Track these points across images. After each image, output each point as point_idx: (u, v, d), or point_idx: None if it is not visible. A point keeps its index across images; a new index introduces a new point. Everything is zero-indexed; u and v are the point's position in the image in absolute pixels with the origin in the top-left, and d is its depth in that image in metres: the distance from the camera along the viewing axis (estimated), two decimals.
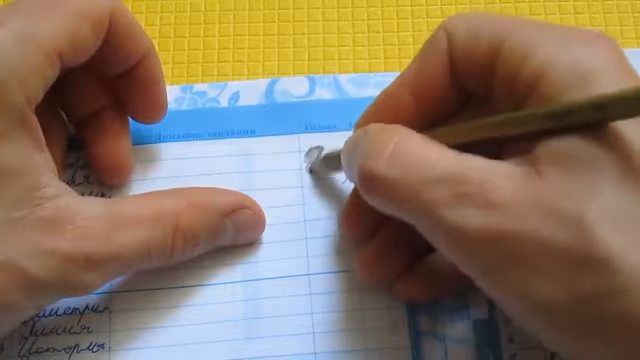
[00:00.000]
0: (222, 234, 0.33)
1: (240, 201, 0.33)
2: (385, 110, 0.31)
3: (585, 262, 0.23)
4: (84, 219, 0.29)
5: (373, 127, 0.29)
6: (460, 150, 0.27)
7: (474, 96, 0.30)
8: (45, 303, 0.30)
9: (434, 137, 0.28)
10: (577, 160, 0.24)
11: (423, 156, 0.27)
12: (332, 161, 0.35)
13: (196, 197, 0.32)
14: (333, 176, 0.36)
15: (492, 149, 0.28)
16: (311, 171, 0.36)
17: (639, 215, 0.24)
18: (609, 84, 0.25)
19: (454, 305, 0.34)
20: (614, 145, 0.24)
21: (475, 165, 0.26)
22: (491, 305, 0.34)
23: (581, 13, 0.42)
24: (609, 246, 0.23)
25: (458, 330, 0.33)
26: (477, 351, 0.33)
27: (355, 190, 0.33)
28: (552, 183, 0.24)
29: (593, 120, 0.24)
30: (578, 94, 0.25)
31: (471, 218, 0.25)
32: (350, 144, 0.30)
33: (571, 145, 0.25)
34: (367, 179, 0.28)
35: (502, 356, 0.33)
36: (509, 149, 0.27)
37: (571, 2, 0.42)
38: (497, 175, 0.25)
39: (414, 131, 0.28)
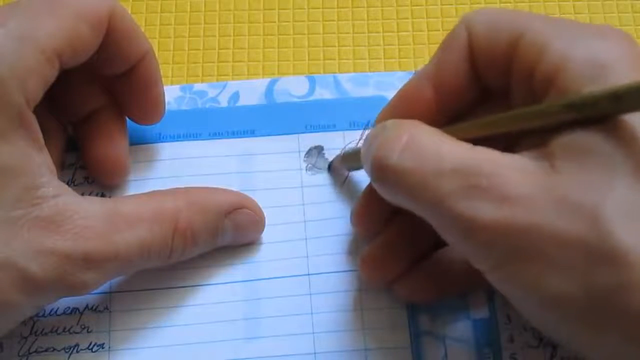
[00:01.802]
0: (221, 234, 0.33)
1: (240, 201, 0.33)
2: (405, 105, 0.31)
3: (599, 256, 0.23)
4: (83, 219, 0.29)
5: (390, 122, 0.29)
6: (475, 144, 0.27)
7: (493, 91, 0.30)
8: (44, 302, 0.30)
9: (450, 132, 0.28)
10: (592, 154, 0.24)
11: (436, 148, 0.27)
12: (351, 158, 0.35)
13: (196, 197, 0.32)
14: (353, 173, 0.36)
15: (506, 143, 0.28)
16: (329, 168, 0.36)
17: None
18: (625, 77, 0.25)
19: (454, 305, 0.34)
20: (629, 139, 0.24)
21: (488, 158, 0.26)
22: (491, 305, 0.34)
23: (581, 13, 0.41)
24: (624, 241, 0.23)
25: (458, 330, 0.33)
26: (477, 351, 0.33)
27: (368, 188, 0.33)
28: (566, 177, 0.24)
29: (610, 111, 0.24)
30: (595, 87, 0.25)
31: (484, 210, 0.25)
32: (368, 139, 0.30)
33: (586, 139, 0.25)
34: (380, 169, 0.28)
35: (502, 356, 0.33)
36: (523, 143, 0.27)
37: (571, 2, 0.42)
38: (511, 169, 0.25)
39: (429, 126, 0.28)
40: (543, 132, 0.26)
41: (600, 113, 0.24)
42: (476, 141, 0.27)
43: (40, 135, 0.29)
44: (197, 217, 0.32)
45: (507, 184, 0.25)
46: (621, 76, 0.25)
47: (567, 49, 0.26)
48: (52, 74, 0.29)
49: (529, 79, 0.27)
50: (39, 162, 0.29)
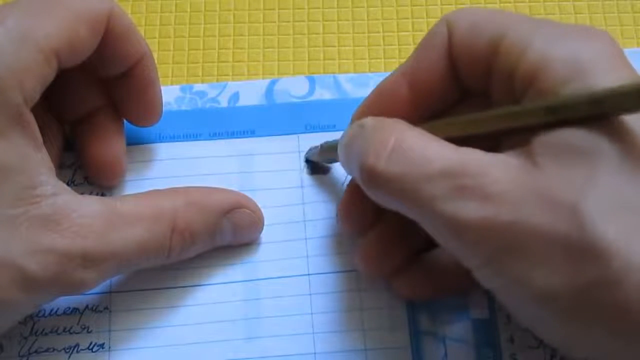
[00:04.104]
0: (220, 233, 0.33)
1: (239, 200, 0.33)
2: (382, 102, 0.31)
3: (582, 251, 0.23)
4: (82, 217, 0.29)
5: (370, 121, 0.29)
6: (458, 143, 0.27)
7: (472, 91, 0.30)
8: (42, 301, 0.30)
9: (432, 130, 0.28)
10: (573, 150, 0.25)
11: (422, 152, 0.27)
12: (329, 152, 0.35)
13: (194, 197, 0.32)
14: (329, 165, 0.36)
15: (490, 142, 0.28)
16: (307, 161, 0.36)
17: (636, 203, 0.24)
18: (605, 78, 0.25)
19: (454, 304, 0.34)
20: (612, 134, 0.25)
21: (473, 158, 0.26)
22: (491, 305, 0.33)
23: (581, 13, 0.41)
24: (604, 235, 0.23)
25: (458, 330, 0.33)
26: (477, 351, 0.33)
27: (352, 184, 0.33)
28: (547, 173, 0.25)
29: (590, 114, 0.24)
30: (576, 88, 0.25)
31: (470, 210, 0.25)
32: (348, 138, 0.30)
33: (567, 135, 0.25)
34: (369, 176, 0.28)
35: (502, 356, 0.33)
36: (507, 142, 0.28)
37: (571, 2, 0.42)
38: (494, 167, 0.25)
39: (413, 126, 0.28)
40: (526, 130, 0.26)
41: (579, 116, 0.25)
42: (461, 141, 0.27)
43: (38, 134, 0.29)
44: (195, 217, 0.32)
45: (491, 182, 0.25)
46: (600, 77, 0.25)
47: (548, 49, 0.26)
48: (50, 73, 0.29)
49: (510, 79, 0.27)
50: (37, 161, 0.29)
